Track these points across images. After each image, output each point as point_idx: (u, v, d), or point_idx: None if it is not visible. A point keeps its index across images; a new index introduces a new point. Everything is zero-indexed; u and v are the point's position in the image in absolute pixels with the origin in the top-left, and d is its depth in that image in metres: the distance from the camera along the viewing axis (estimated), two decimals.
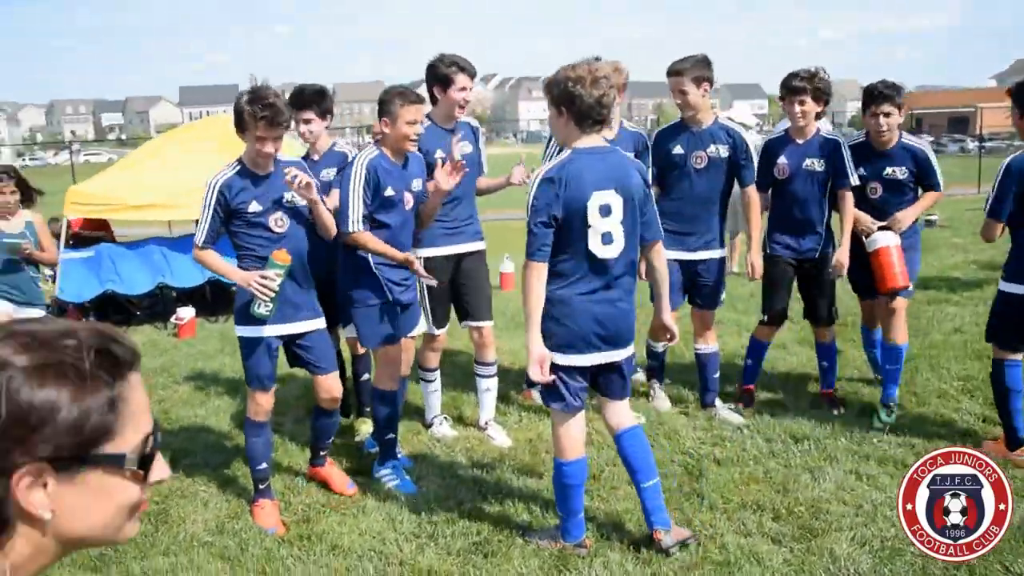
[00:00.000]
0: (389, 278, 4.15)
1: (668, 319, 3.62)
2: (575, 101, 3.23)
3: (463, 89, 4.57)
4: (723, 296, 5.11)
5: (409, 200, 4.16)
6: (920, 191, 4.86)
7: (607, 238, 3.26)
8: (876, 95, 4.66)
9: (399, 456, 4.46)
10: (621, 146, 4.54)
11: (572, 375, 3.36)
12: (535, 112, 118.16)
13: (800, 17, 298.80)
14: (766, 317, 5.06)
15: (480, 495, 4.08)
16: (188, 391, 6.04)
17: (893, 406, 4.80)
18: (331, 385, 4.07)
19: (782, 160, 4.82)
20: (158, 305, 8.89)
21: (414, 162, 4.24)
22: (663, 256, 3.59)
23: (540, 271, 3.25)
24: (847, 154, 4.75)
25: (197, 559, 3.57)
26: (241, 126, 3.72)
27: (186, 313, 8.03)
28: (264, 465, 4.04)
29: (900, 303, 4.85)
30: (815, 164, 4.76)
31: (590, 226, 3.22)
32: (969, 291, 8.05)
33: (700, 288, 4.99)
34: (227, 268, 3.89)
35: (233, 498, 4.19)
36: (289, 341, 3.97)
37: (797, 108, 4.69)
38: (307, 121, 4.51)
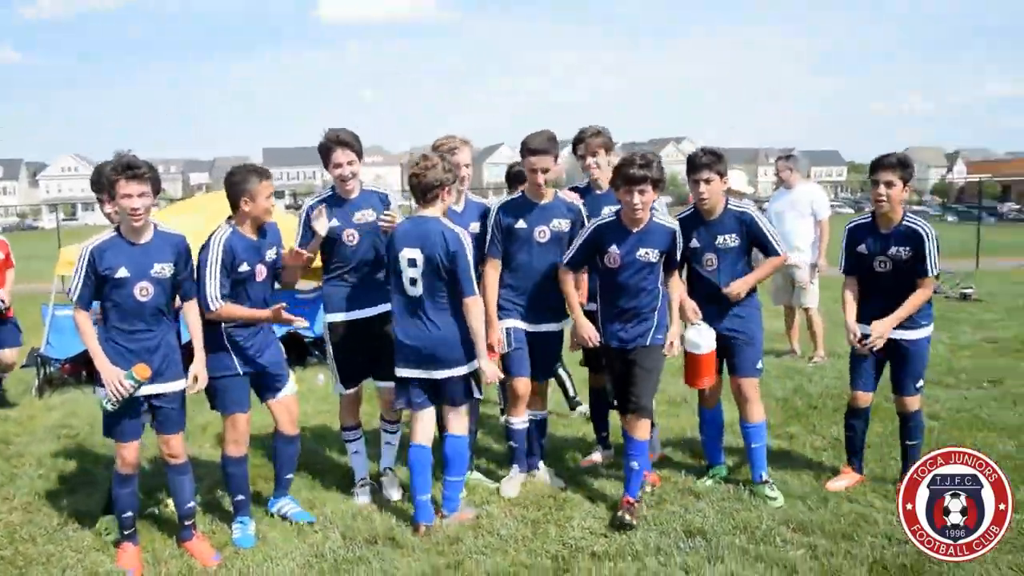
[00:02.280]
0: (241, 346, 4.34)
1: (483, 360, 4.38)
2: None
3: (338, 165, 4.61)
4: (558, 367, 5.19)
5: (262, 271, 4.34)
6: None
7: (412, 282, 4.32)
8: (694, 163, 4.60)
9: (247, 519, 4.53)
10: (468, 215, 4.85)
11: (404, 384, 4.44)
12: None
13: (883, 83, 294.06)
14: (615, 403, 4.76)
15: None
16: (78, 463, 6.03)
17: (768, 479, 4.70)
18: (171, 442, 4.22)
19: (613, 249, 4.50)
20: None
21: (271, 232, 4.42)
22: (473, 311, 4.31)
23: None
24: (680, 241, 4.59)
25: None
26: (110, 192, 3.95)
27: None
28: (130, 514, 4.23)
29: (746, 383, 4.75)
30: (650, 255, 4.48)
31: (401, 271, 4.31)
32: (972, 375, 7.49)
33: (537, 359, 4.86)
34: (96, 347, 4.01)
35: (87, 566, 4.15)
36: (149, 397, 4.11)
37: (637, 199, 4.37)
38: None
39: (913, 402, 4.71)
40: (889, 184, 4.47)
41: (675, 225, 4.58)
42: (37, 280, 12.70)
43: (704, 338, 4.62)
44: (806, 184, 8.76)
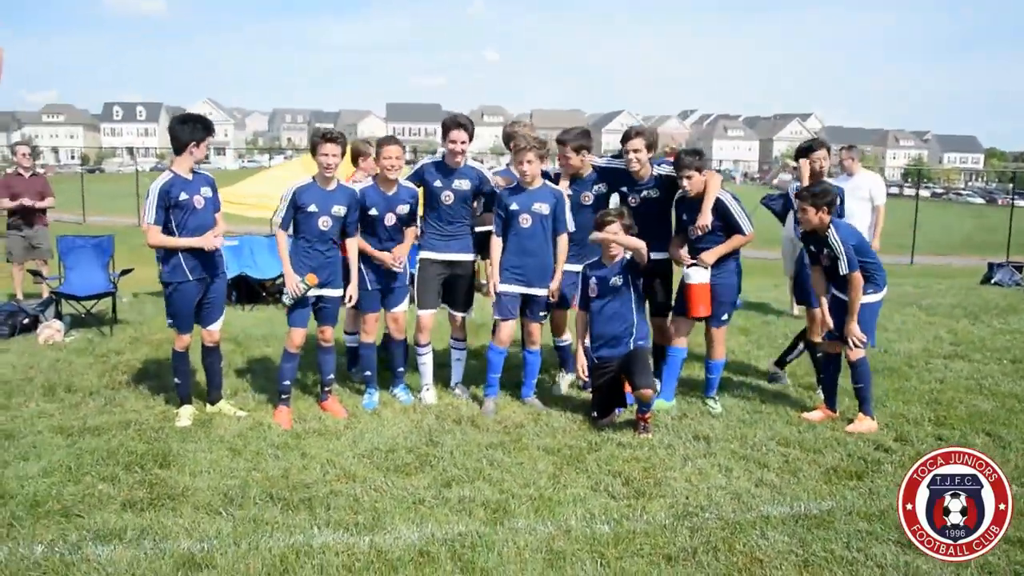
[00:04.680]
0: (373, 269, 6.04)
1: None
2: None
3: (453, 142, 6.02)
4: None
5: (391, 219, 5.87)
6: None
7: None
8: (678, 163, 5.88)
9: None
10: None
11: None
12: (728, 150, 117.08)
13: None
14: (595, 415, 5.98)
15: (421, 440, 5.44)
16: (274, 351, 7.78)
17: (716, 399, 6.23)
18: (326, 331, 5.98)
19: (592, 280, 5.87)
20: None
21: (404, 190, 5.97)
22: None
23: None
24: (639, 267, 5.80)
25: (214, 447, 5.19)
26: (313, 150, 5.70)
27: None
28: (288, 382, 5.85)
29: (714, 330, 6.08)
30: (618, 280, 5.81)
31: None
32: (998, 353, 8.31)
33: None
34: (286, 259, 5.72)
35: (255, 419, 5.80)
36: (318, 298, 5.85)
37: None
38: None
39: (851, 353, 5.80)
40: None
41: (628, 256, 5.80)
42: None
43: (697, 272, 5.85)
44: (867, 172, 9.72)
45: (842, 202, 6.19)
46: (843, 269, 5.66)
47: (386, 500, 4.46)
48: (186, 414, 5.74)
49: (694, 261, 5.91)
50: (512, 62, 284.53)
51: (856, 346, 5.75)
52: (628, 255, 5.81)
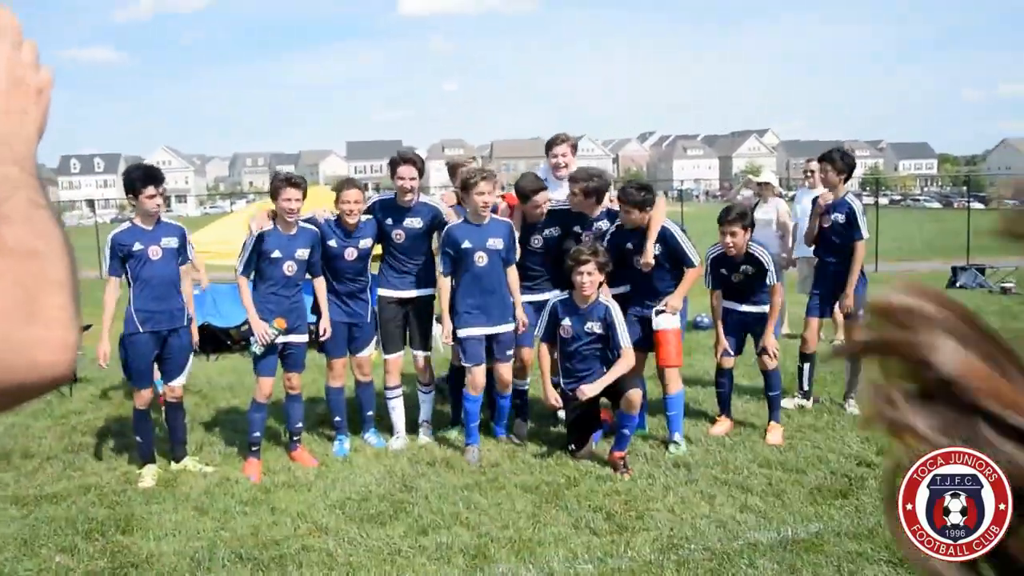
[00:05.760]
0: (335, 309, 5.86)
1: None
2: None
3: (401, 178, 5.84)
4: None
5: (352, 253, 5.77)
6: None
7: None
8: (624, 199, 5.77)
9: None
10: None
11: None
12: (688, 170, 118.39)
13: (977, 68, 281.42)
14: (572, 448, 5.74)
15: (395, 486, 5.26)
16: (240, 401, 7.57)
17: (679, 440, 5.77)
18: (292, 378, 5.79)
19: (566, 322, 5.57)
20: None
21: (367, 225, 5.86)
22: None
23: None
24: (619, 318, 5.52)
25: (180, 507, 4.97)
26: (273, 195, 5.56)
27: None
28: (258, 434, 5.66)
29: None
30: (595, 327, 5.52)
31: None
32: None
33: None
34: (250, 305, 5.53)
35: (222, 474, 5.59)
36: (284, 344, 5.67)
37: (585, 279, 5.40)
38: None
39: (769, 363, 5.92)
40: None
41: (613, 305, 5.55)
42: None
43: (666, 319, 5.70)
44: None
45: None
46: (771, 280, 5.85)
47: (360, 553, 4.28)
48: (149, 474, 5.51)
49: (662, 308, 5.75)
50: (471, 93, 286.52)
51: (775, 357, 5.90)
52: (607, 302, 5.59)
